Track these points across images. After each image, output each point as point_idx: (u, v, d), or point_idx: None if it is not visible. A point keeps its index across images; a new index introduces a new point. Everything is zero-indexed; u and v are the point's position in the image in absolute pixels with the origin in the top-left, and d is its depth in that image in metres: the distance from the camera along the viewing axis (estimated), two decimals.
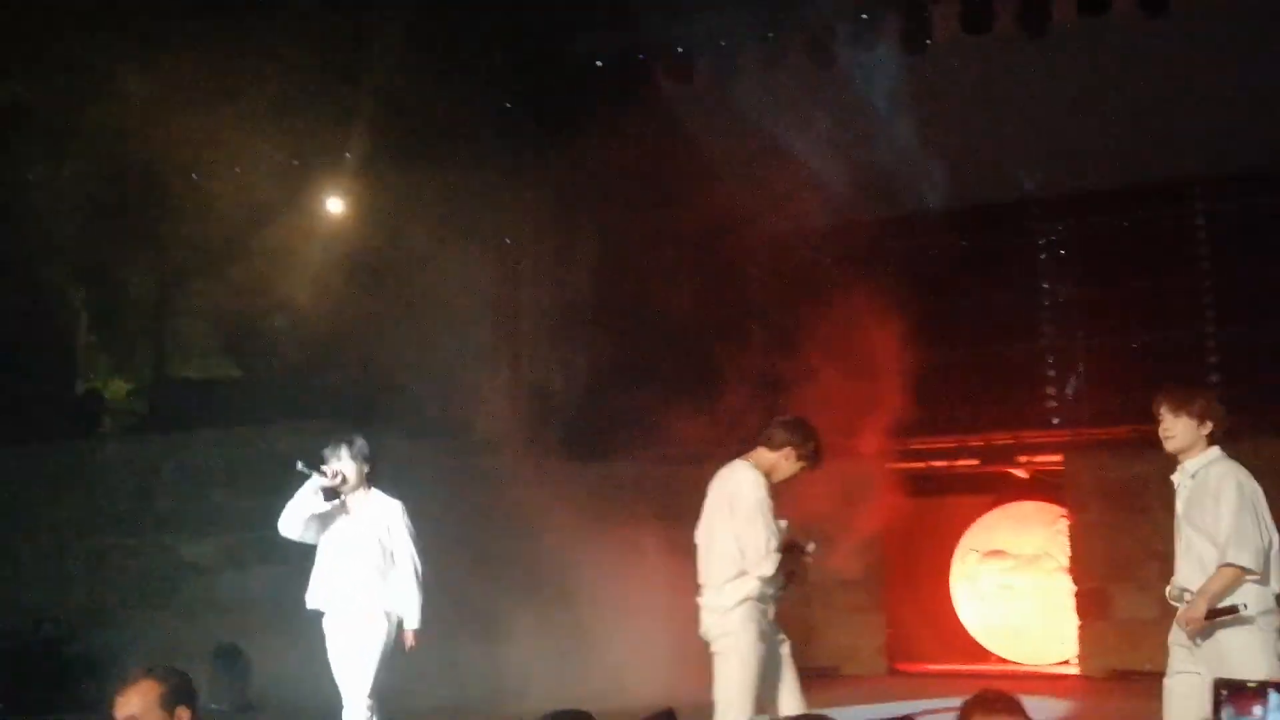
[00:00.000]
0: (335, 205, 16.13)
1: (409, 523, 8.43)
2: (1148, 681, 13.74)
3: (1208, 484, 5.67)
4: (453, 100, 15.32)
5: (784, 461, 6.61)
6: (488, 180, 15.63)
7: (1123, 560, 15.19)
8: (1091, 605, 15.41)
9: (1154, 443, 15.68)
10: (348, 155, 15.80)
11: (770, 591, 6.44)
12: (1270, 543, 5.49)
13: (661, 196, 16.50)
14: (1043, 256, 17.53)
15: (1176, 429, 5.90)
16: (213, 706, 11.72)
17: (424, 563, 8.41)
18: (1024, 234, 17.30)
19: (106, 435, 15.40)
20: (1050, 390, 17.22)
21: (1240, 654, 5.53)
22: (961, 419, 15.74)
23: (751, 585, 6.33)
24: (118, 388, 16.54)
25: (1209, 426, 5.80)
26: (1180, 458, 5.99)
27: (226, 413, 14.75)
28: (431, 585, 13.91)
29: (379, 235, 15.43)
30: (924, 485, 16.23)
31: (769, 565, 6.35)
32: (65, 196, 15.46)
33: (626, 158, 16.21)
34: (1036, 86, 15.51)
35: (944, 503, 16.40)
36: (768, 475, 6.53)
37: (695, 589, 6.56)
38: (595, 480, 15.81)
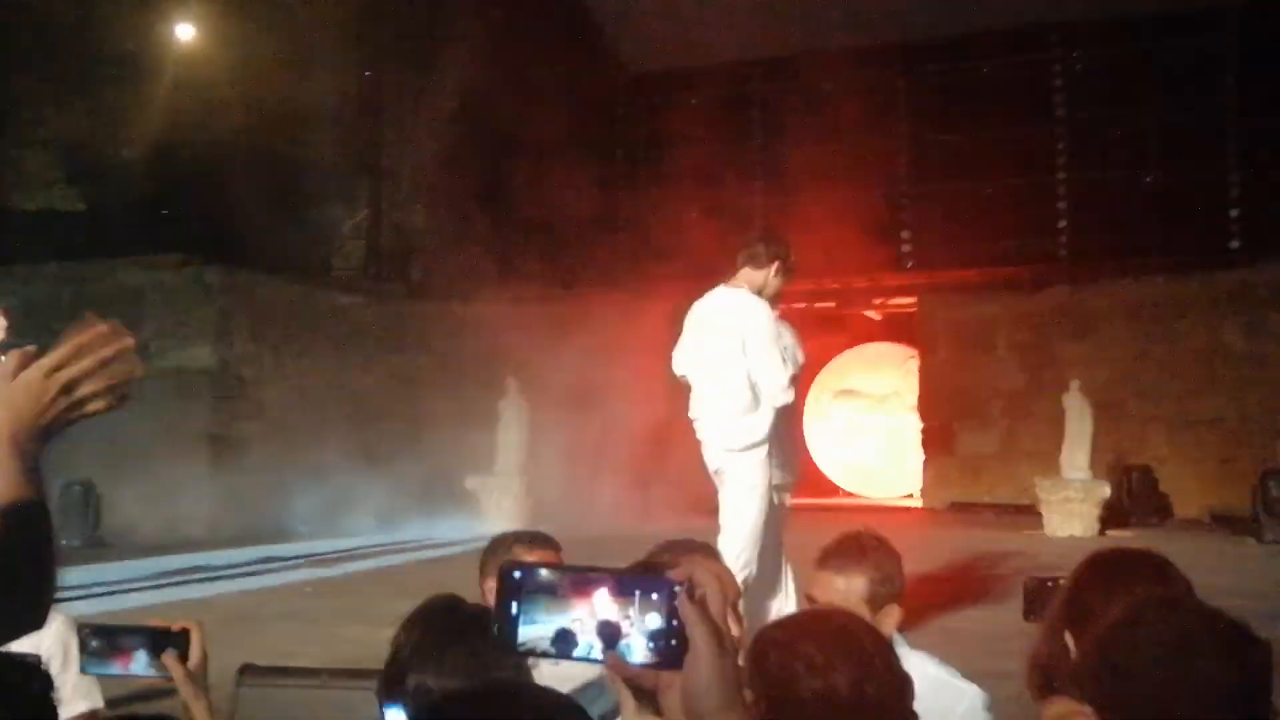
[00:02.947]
0: (187, 31, 15.41)
1: None
2: (985, 512, 14.57)
3: None
4: None
5: (773, 277, 6.31)
6: (347, 11, 15.10)
7: (967, 399, 15.80)
8: (936, 442, 16.05)
9: (1001, 287, 16.23)
10: None
11: (779, 427, 6.23)
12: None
13: (530, 40, 16.15)
14: (897, 103, 17.66)
15: None
16: (63, 542, 11.58)
17: None
18: (884, 79, 17.39)
19: None
20: (905, 234, 17.57)
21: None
22: (819, 262, 15.99)
23: (766, 424, 6.14)
24: None
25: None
26: None
27: (70, 246, 14.21)
28: (281, 420, 13.93)
29: (235, 62, 14.82)
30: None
31: (788, 396, 6.18)
32: None
33: None
34: None
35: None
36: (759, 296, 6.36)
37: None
38: (450, 319, 15.78)
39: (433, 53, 16.03)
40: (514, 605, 1.22)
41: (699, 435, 6.34)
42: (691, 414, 6.40)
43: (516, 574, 1.23)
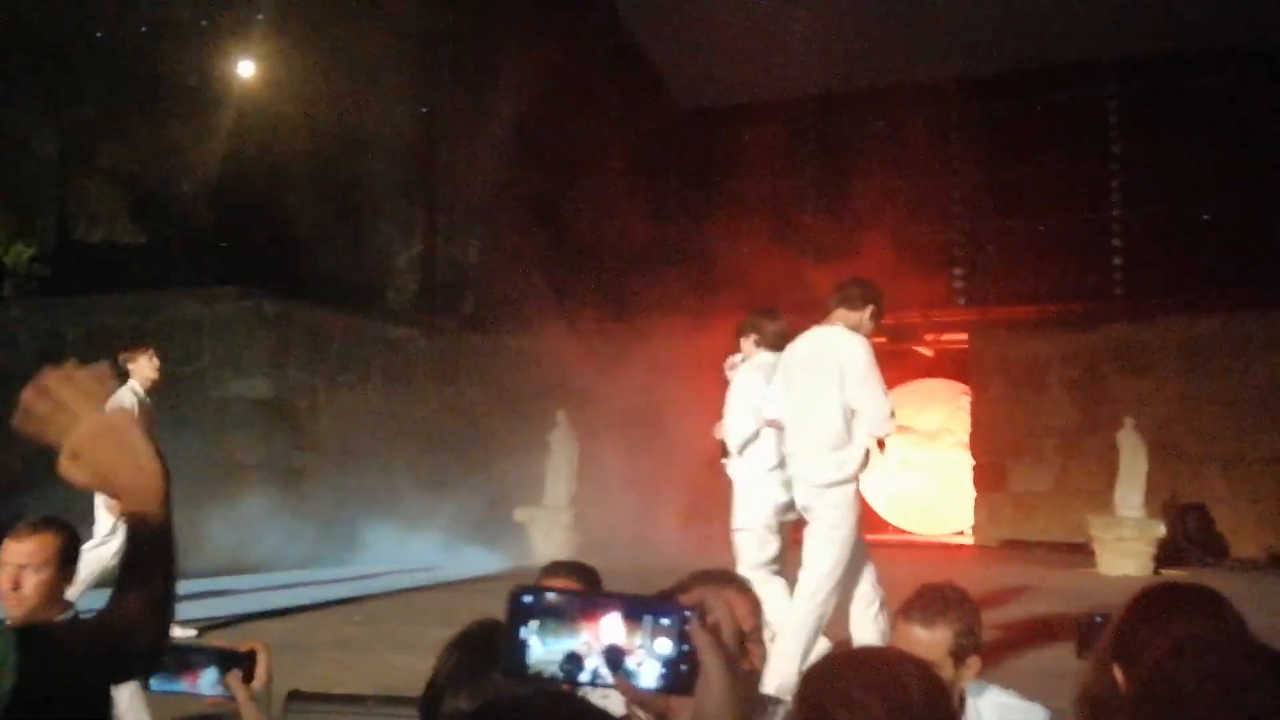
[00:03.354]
0: (247, 69, 15.69)
1: None
2: (1038, 550, 14.40)
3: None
4: None
5: (867, 321, 6.31)
6: (406, 46, 15.30)
7: (1020, 436, 15.65)
8: (989, 479, 15.89)
9: (1055, 323, 16.06)
10: (260, 17, 15.35)
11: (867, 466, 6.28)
12: (760, 428, 6.55)
13: (586, 74, 16.30)
14: (953, 137, 17.62)
15: (741, 346, 6.90)
16: None
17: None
18: (933, 115, 17.36)
19: (8, 299, 15.04)
20: (958, 270, 17.49)
21: None
22: None
23: (857, 460, 6.14)
24: (19, 252, 16.12)
25: (754, 337, 6.76)
26: None
27: (133, 278, 14.47)
28: (336, 450, 14.09)
29: (294, 100, 15.07)
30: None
31: (891, 425, 6.22)
32: None
33: (551, 31, 15.95)
34: None
35: None
36: None
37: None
38: (503, 351, 15.88)
39: (488, 87, 16.21)
40: (522, 629, 1.24)
41: (790, 471, 6.37)
42: (785, 449, 6.43)
43: (526, 598, 1.25)
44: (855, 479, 6.17)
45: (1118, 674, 2.16)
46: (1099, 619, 2.65)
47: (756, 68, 16.88)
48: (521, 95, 15.52)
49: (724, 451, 6.72)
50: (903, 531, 17.55)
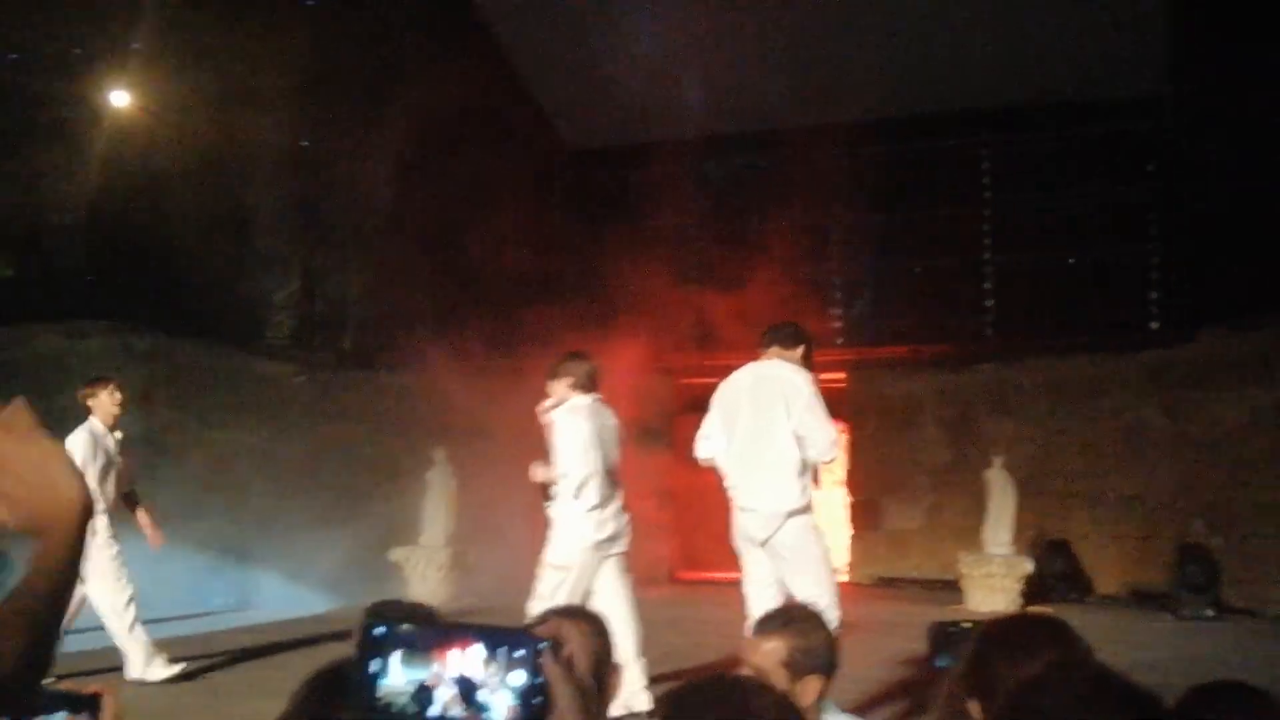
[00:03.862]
0: (122, 98, 15.33)
1: None
2: (911, 588, 14.62)
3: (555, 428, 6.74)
4: None
5: (799, 361, 6.46)
6: (288, 79, 15.12)
7: (894, 473, 15.91)
8: (864, 516, 16.11)
9: (929, 363, 16.39)
10: (136, 45, 15.03)
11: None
12: (594, 469, 6.56)
13: (473, 109, 16.28)
14: (832, 181, 17.97)
15: (552, 390, 6.88)
16: None
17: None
18: (814, 159, 17.71)
19: None
20: (836, 311, 17.82)
21: None
22: (754, 337, 16.19)
23: (810, 486, 6.26)
24: None
25: (568, 381, 6.81)
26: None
27: None
28: (210, 490, 13.76)
29: (170, 131, 14.77)
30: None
31: (836, 451, 6.33)
32: None
33: (437, 66, 15.91)
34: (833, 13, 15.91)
35: None
36: None
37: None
38: (381, 388, 15.70)
39: (372, 121, 16.08)
40: (373, 661, 1.23)
41: (742, 504, 6.38)
42: (730, 483, 6.47)
43: (377, 630, 1.24)
44: (810, 508, 6.28)
45: (973, 708, 2.21)
46: (950, 627, 2.73)
47: (643, 110, 17.05)
48: (407, 129, 15.42)
49: (545, 494, 6.74)
50: None
